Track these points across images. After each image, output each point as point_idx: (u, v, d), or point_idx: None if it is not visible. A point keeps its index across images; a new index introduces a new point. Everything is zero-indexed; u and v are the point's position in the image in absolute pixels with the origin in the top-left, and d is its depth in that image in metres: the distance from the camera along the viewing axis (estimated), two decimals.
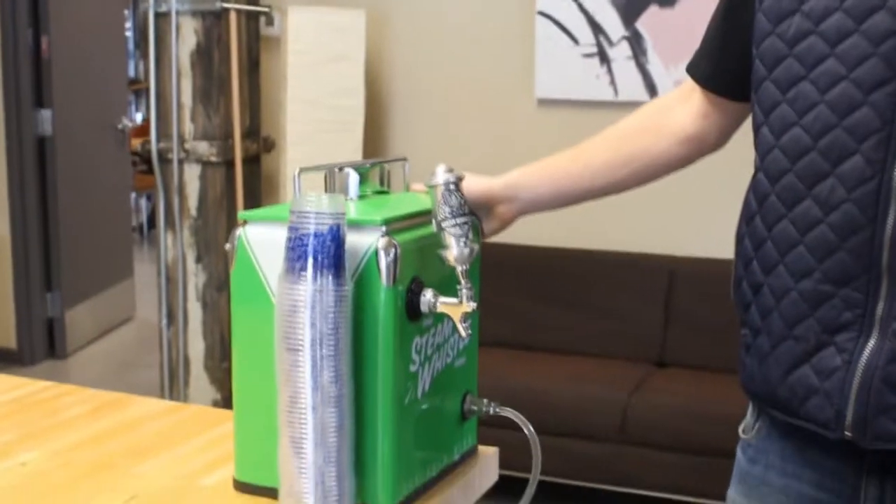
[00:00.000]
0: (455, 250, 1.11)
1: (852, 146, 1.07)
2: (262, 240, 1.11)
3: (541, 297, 3.89)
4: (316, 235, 1.00)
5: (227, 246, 1.13)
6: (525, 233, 3.88)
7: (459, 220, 1.11)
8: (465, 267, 1.11)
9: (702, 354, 3.64)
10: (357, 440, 1.06)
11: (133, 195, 8.81)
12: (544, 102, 3.96)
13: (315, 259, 1.00)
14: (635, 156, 1.32)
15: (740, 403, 1.30)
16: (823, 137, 1.09)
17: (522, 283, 3.89)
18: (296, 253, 1.01)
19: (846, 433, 1.10)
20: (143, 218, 8.86)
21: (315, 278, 1.00)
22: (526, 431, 1.22)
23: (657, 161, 1.33)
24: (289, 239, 1.02)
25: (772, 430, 1.23)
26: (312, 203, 1.01)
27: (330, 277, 1.00)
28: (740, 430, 1.28)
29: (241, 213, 1.14)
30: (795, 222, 1.12)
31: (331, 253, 1.00)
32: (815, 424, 1.13)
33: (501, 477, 1.37)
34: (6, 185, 5.19)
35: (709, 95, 1.32)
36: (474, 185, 1.26)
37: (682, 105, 1.34)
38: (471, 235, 1.13)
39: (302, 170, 1.10)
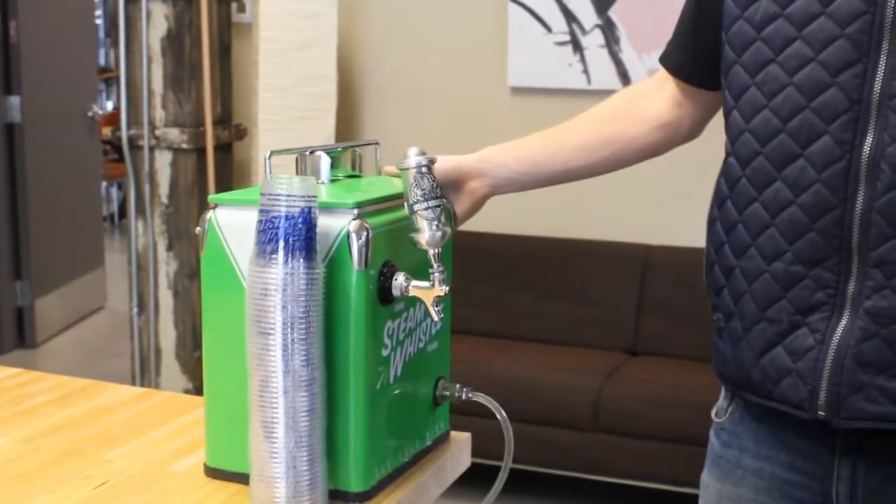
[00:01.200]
0: (427, 233, 1.11)
1: (821, 127, 1.09)
2: (232, 223, 1.11)
3: (514, 285, 3.89)
4: (287, 218, 1.00)
5: (198, 229, 1.13)
6: (499, 221, 3.89)
7: (431, 203, 1.11)
8: (437, 250, 1.11)
9: (675, 343, 3.65)
10: (329, 425, 1.06)
11: (104, 184, 8.75)
12: (517, 90, 3.96)
13: (286, 241, 1.00)
14: (611, 140, 1.33)
15: (713, 390, 1.31)
16: (792, 119, 1.10)
17: (496, 272, 3.90)
18: (266, 235, 1.00)
19: (819, 413, 1.12)
20: (115, 207, 8.80)
21: (286, 261, 1.00)
22: (498, 416, 1.23)
23: (632, 146, 1.34)
24: (259, 221, 1.01)
25: (745, 413, 1.24)
26: (283, 185, 1.00)
27: (301, 260, 1.00)
28: (713, 413, 1.29)
29: (212, 197, 1.14)
30: (766, 205, 1.14)
31: (302, 235, 1.00)
32: (788, 405, 1.14)
33: (473, 465, 1.37)
34: None
35: (682, 85, 1.33)
36: (446, 160, 1.25)
37: (657, 93, 1.35)
38: (443, 219, 1.13)
39: (273, 152, 1.10)
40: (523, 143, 1.33)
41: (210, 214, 1.12)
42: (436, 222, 1.11)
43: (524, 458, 3.32)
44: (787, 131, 1.11)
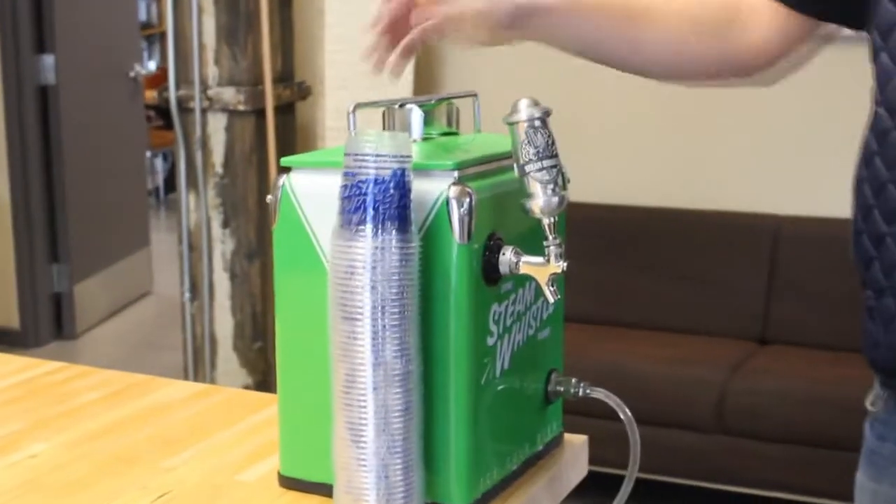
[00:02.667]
0: (541, 199, 1.07)
1: None
2: (310, 190, 1.09)
3: (622, 263, 3.88)
4: (376, 182, 0.97)
5: (269, 198, 1.12)
6: (603, 188, 3.85)
7: (546, 162, 1.08)
8: (552, 219, 1.08)
9: (811, 329, 3.62)
10: (426, 427, 1.04)
11: (148, 154, 8.89)
12: None
13: (376, 210, 0.97)
14: (703, 55, 1.31)
15: (858, 384, 1.30)
16: None
17: (600, 248, 3.87)
18: (352, 203, 0.98)
19: None
20: (160, 180, 8.93)
21: (376, 233, 0.97)
22: (622, 416, 1.21)
23: (726, 57, 1.33)
24: (344, 187, 0.99)
25: None
26: (371, 143, 0.97)
27: (394, 232, 0.97)
28: (867, 402, 1.27)
29: (286, 159, 1.12)
30: None
31: (394, 203, 0.97)
32: None
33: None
34: (5, 142, 5.24)
35: (782, 9, 1.30)
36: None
37: (754, 13, 1.32)
38: (560, 181, 1.09)
39: (357, 105, 1.07)
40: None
41: (283, 180, 1.11)
42: (552, 185, 1.08)
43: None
44: None
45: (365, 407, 0.99)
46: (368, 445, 1.00)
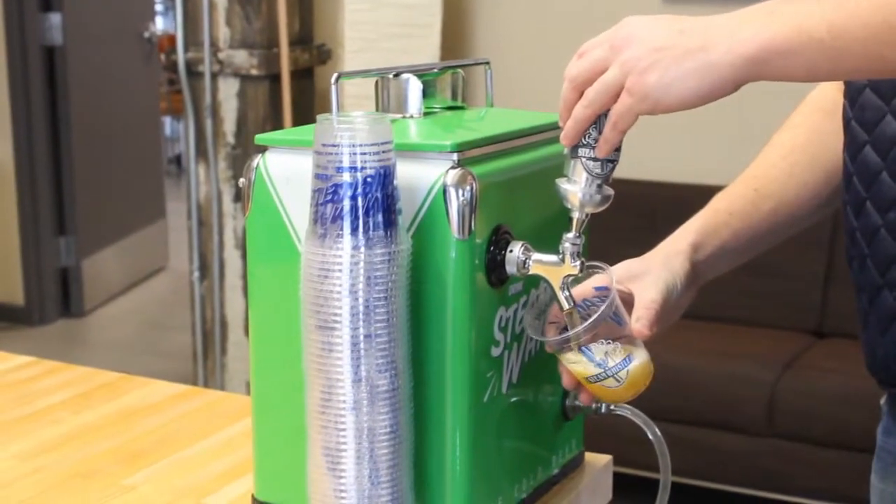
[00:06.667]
0: (582, 189, 1.02)
1: None
2: (288, 173, 1.03)
3: None
4: (351, 185, 0.90)
5: (242, 181, 1.06)
6: (643, 164, 3.75)
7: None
8: (586, 216, 1.03)
9: None
10: (418, 451, 1.00)
11: (168, 120, 8.85)
12: None
13: (353, 203, 0.91)
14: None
15: None
16: None
17: (639, 230, 3.77)
18: (324, 196, 0.91)
19: None
20: (182, 148, 8.90)
21: (355, 230, 0.91)
22: (650, 435, 1.18)
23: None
24: (317, 192, 0.92)
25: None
26: (345, 128, 0.90)
27: (375, 229, 0.91)
28: (881, 402, 1.32)
29: (260, 137, 1.06)
30: None
31: (376, 200, 0.91)
32: None
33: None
34: (9, 107, 5.22)
35: None
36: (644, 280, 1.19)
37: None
38: (609, 179, 1.04)
39: (341, 75, 0.98)
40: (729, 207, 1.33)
41: (258, 161, 1.05)
42: (600, 180, 1.02)
43: (679, 469, 3.18)
44: None
45: (343, 429, 0.95)
46: (348, 474, 0.96)
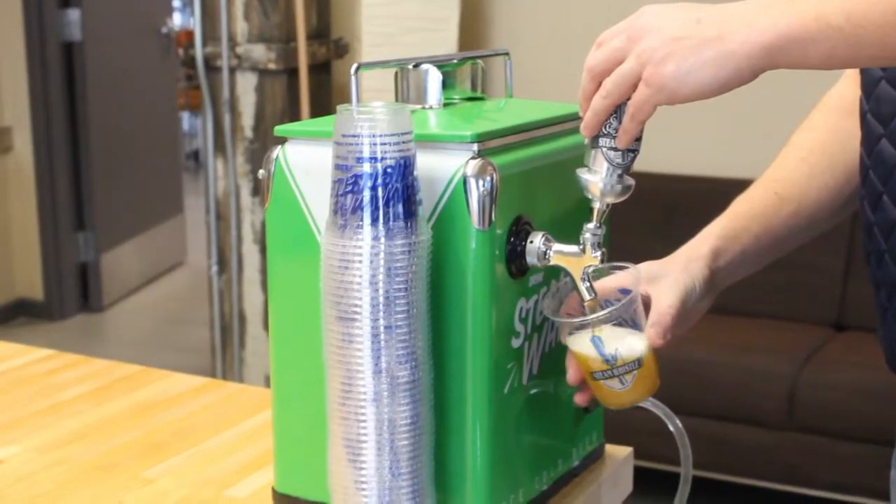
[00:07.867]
0: (603, 179, 1.01)
1: None
2: (308, 164, 1.03)
3: (681, 239, 3.76)
4: (371, 175, 0.90)
5: (261, 172, 1.06)
6: (660, 157, 3.74)
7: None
8: (607, 206, 1.03)
9: None
10: (439, 443, 1.00)
11: (185, 115, 8.87)
12: None
13: (373, 193, 0.90)
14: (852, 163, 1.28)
15: None
16: None
17: (662, 222, 3.78)
18: (344, 187, 0.91)
19: None
20: (199, 143, 8.92)
21: (375, 221, 0.91)
22: (671, 427, 1.17)
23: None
24: (337, 182, 0.92)
25: None
26: (365, 119, 0.90)
27: (395, 220, 0.91)
28: None
29: (279, 128, 1.05)
30: None
31: (396, 188, 0.91)
32: None
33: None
34: (28, 103, 5.23)
35: None
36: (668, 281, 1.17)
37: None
38: (630, 169, 1.04)
39: (361, 66, 0.98)
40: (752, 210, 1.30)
41: (277, 152, 1.05)
42: (621, 170, 1.02)
43: (698, 463, 3.17)
44: None
45: (364, 421, 0.95)
46: (368, 465, 0.96)
